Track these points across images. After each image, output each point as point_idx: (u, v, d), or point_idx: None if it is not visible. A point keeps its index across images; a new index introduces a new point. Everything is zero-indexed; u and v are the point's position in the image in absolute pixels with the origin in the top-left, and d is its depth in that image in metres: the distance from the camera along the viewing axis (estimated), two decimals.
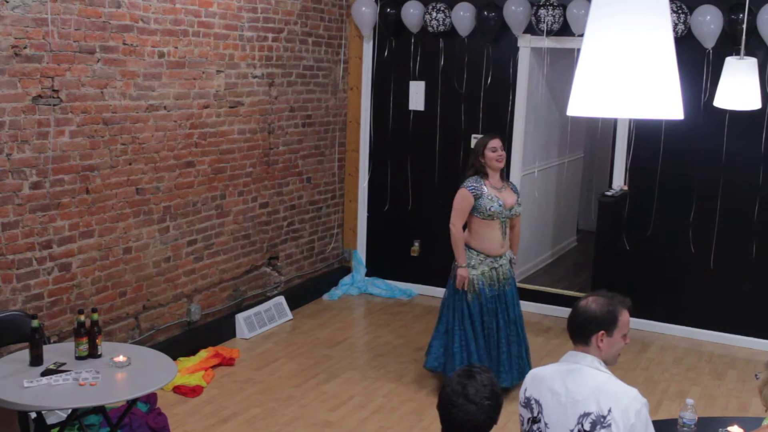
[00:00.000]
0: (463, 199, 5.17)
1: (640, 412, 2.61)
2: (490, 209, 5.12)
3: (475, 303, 5.22)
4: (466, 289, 5.19)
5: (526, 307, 7.13)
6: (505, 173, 5.43)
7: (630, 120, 6.55)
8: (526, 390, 2.85)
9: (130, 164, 5.23)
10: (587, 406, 2.64)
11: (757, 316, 6.43)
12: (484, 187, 5.15)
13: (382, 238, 7.72)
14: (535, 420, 2.78)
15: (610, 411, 2.60)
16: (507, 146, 6.92)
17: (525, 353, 5.43)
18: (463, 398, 2.48)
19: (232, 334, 6.27)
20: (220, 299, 6.22)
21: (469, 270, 5.19)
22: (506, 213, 5.19)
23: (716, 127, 6.33)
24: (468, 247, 5.24)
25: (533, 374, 2.87)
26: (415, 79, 7.37)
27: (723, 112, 5.94)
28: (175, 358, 4.91)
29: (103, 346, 4.02)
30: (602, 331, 2.71)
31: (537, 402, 2.78)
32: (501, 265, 5.28)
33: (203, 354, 5.73)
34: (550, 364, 2.88)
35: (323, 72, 7.19)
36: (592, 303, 2.75)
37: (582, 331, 2.74)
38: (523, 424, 2.86)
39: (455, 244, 5.21)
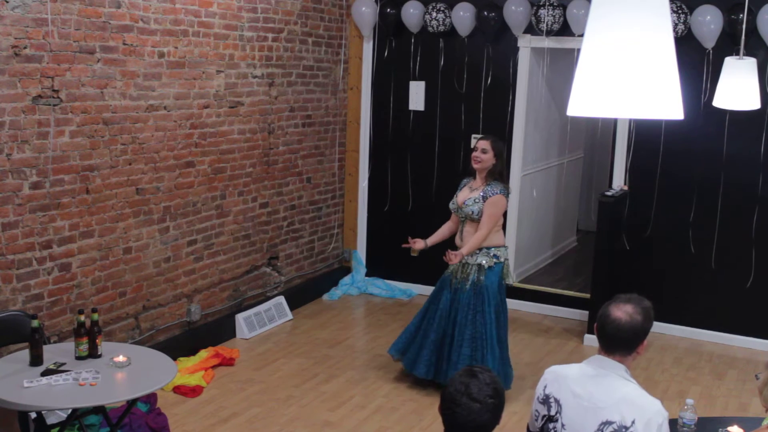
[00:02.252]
0: None
1: (662, 426, 2.63)
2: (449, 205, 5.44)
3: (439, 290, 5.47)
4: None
5: (527, 307, 7.15)
6: (507, 177, 5.46)
7: (630, 120, 6.55)
8: (546, 387, 2.81)
9: (130, 164, 5.23)
10: (610, 415, 2.64)
11: (757, 316, 6.43)
12: (466, 185, 5.40)
13: (382, 238, 7.71)
14: (551, 419, 2.76)
15: (633, 422, 2.60)
16: (507, 146, 6.92)
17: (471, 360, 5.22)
18: (467, 397, 2.45)
19: (232, 334, 6.27)
20: (220, 299, 6.22)
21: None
22: (460, 211, 5.33)
23: (716, 127, 6.33)
24: None
25: (555, 372, 2.83)
26: (415, 79, 7.36)
27: (723, 112, 5.94)
28: (175, 358, 4.91)
29: (103, 346, 4.02)
30: (645, 340, 2.73)
31: (557, 401, 2.75)
32: (466, 263, 5.31)
33: (203, 354, 5.73)
34: (572, 363, 2.85)
35: (323, 72, 7.19)
36: (635, 315, 2.70)
37: (629, 344, 2.72)
38: (536, 420, 2.82)
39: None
